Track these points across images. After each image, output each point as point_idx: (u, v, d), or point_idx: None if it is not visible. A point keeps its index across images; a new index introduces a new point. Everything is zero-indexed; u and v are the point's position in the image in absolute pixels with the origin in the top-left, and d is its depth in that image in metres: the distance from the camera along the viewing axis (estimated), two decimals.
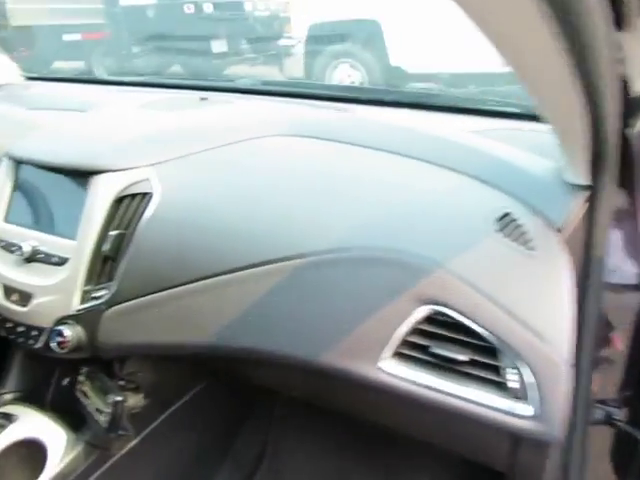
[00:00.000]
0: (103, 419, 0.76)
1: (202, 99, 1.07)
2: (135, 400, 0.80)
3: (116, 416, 0.75)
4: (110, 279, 0.75)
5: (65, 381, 0.98)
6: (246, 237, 0.69)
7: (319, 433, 1.25)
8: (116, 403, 0.75)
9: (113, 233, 0.75)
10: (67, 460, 0.82)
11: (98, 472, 0.87)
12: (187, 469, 1.07)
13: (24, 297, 0.79)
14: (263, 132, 0.89)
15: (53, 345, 0.76)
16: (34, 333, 0.79)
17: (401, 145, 0.82)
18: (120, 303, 0.74)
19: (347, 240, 0.65)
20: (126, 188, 0.76)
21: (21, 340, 0.81)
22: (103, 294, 0.75)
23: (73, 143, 0.84)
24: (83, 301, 0.76)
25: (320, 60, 5.40)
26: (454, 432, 0.71)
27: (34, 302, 0.78)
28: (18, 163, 0.85)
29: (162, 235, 0.74)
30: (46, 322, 0.78)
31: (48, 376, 0.99)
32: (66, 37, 5.14)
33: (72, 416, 0.88)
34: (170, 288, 0.72)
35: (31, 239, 0.80)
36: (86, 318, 0.76)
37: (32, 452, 0.84)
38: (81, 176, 0.78)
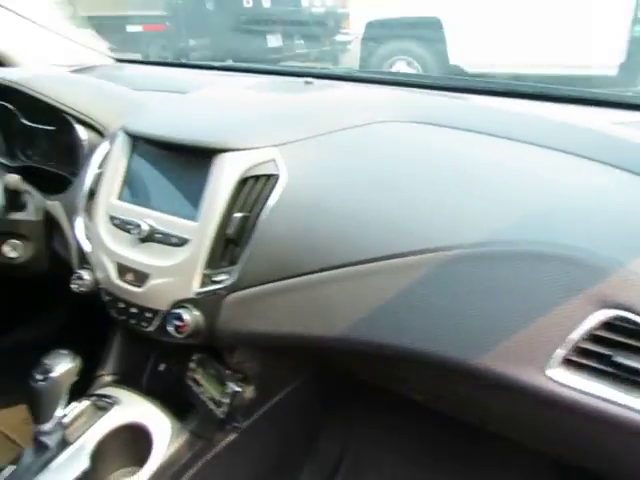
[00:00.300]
0: (220, 409, 0.72)
1: (307, 83, 1.03)
2: (248, 392, 0.77)
3: (233, 407, 0.71)
4: (232, 263, 0.71)
5: (162, 366, 0.97)
6: (384, 226, 0.65)
7: (401, 430, 1.20)
8: (235, 394, 0.72)
9: (238, 215, 0.71)
10: (173, 449, 0.80)
11: (200, 463, 0.84)
12: (276, 463, 1.04)
13: (140, 277, 0.76)
14: (382, 117, 0.85)
15: (170, 329, 0.73)
16: (148, 315, 0.77)
17: (537, 135, 0.76)
18: (242, 289, 0.70)
19: (503, 233, 0.59)
20: (251, 169, 0.72)
21: (133, 322, 0.79)
22: (224, 279, 0.71)
23: (194, 121, 0.80)
24: (203, 285, 0.72)
25: (376, 57, 5.32)
26: (583, 442, 0.65)
27: (150, 283, 0.75)
28: (134, 139, 0.83)
29: (289, 220, 0.70)
30: (162, 304, 0.75)
31: (147, 360, 0.97)
32: (129, 28, 5.24)
33: (172, 402, 0.86)
34: (297, 276, 0.68)
35: (147, 218, 0.77)
36: (205, 303, 0.72)
37: (135, 436, 0.82)
38: (204, 155, 0.74)
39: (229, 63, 1.34)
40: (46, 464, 0.75)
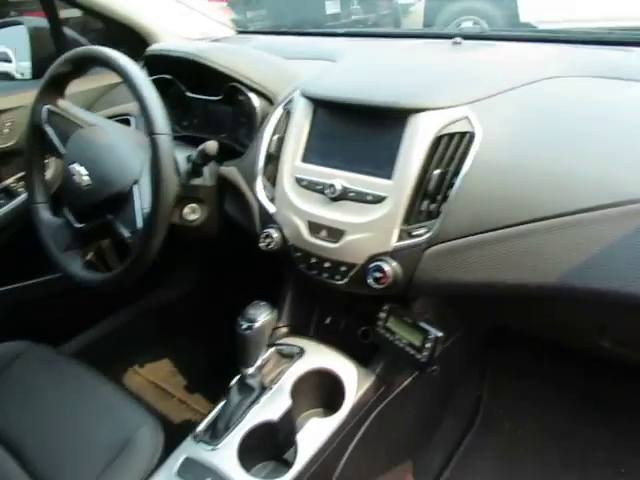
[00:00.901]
0: (422, 354, 0.78)
1: (455, 43, 1.04)
2: None
3: (434, 352, 0.77)
4: (429, 218, 0.76)
5: (328, 320, 1.04)
6: (586, 179, 0.67)
7: (536, 380, 1.24)
8: (437, 339, 0.77)
9: (436, 172, 0.75)
10: (361, 392, 0.86)
11: (382, 404, 0.91)
12: (427, 410, 1.11)
13: (334, 234, 0.81)
14: (552, 73, 0.86)
15: (370, 281, 0.78)
16: (342, 269, 0.82)
17: None
18: (442, 242, 0.75)
19: None
20: (445, 127, 0.76)
21: (325, 276, 0.85)
22: (423, 232, 0.76)
23: (380, 84, 0.84)
24: (400, 239, 0.77)
25: (441, 18, 5.16)
26: None
27: (346, 239, 0.80)
28: (315, 104, 0.87)
29: (487, 175, 0.73)
30: (358, 259, 0.80)
31: (312, 314, 1.04)
32: None
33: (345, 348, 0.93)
34: (500, 229, 0.71)
35: (337, 178, 0.82)
36: (403, 255, 0.77)
37: (323, 381, 0.89)
38: (397, 116, 0.78)
39: (352, 29, 1.36)
40: (253, 402, 0.84)
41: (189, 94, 1.09)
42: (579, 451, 1.14)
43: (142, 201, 0.86)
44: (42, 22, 1.26)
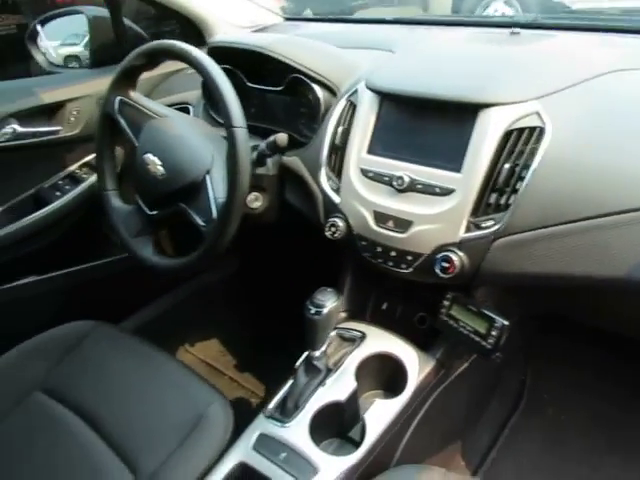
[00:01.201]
0: (487, 341, 0.81)
1: (513, 33, 1.05)
2: None
3: (500, 339, 0.80)
4: (498, 210, 0.78)
5: (384, 305, 1.07)
6: None
7: (579, 367, 1.27)
8: (503, 327, 0.80)
9: (506, 166, 0.77)
10: (423, 375, 0.90)
11: (440, 388, 0.95)
12: (477, 394, 1.15)
13: (402, 224, 0.84)
14: (621, 65, 0.86)
15: (437, 270, 0.81)
16: (409, 258, 0.85)
17: None
18: (510, 235, 0.77)
19: None
20: (515, 122, 0.77)
21: (390, 264, 0.88)
22: (491, 225, 0.78)
23: (446, 77, 0.85)
24: (468, 230, 0.79)
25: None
26: None
27: (414, 229, 0.83)
28: (382, 96, 0.89)
29: (557, 170, 0.75)
30: (425, 249, 0.83)
31: (368, 300, 1.08)
32: None
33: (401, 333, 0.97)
34: (567, 223, 0.73)
35: (404, 170, 0.85)
36: (471, 246, 0.80)
37: (384, 364, 0.93)
38: (466, 110, 0.80)
39: (402, 17, 1.35)
40: (320, 383, 0.88)
41: (250, 84, 1.11)
42: (624, 437, 1.18)
43: (215, 190, 0.90)
44: (100, 11, 1.29)
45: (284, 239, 1.43)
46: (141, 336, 1.11)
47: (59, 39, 1.47)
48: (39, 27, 1.34)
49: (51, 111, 1.16)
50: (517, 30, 1.05)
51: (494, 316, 0.81)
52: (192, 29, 1.33)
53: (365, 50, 1.12)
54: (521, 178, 0.76)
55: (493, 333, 0.81)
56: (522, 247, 0.77)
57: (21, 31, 5.09)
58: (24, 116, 1.11)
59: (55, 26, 1.37)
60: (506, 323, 0.80)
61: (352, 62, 1.05)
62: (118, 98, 0.97)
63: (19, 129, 1.11)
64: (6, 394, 0.98)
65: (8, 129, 1.08)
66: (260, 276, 1.60)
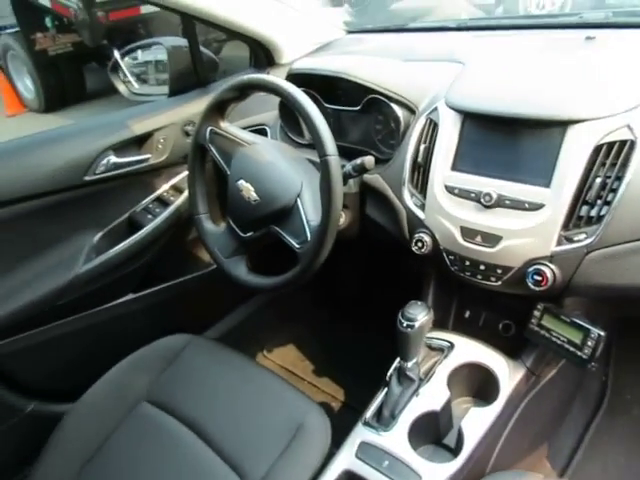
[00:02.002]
0: (583, 351, 0.83)
1: (588, 38, 1.04)
2: None
3: (597, 349, 0.82)
4: (589, 224, 0.80)
5: (467, 313, 1.10)
6: None
7: None
8: (599, 337, 0.82)
9: (597, 180, 0.78)
10: (514, 383, 0.93)
11: (530, 395, 0.97)
12: (565, 397, 1.16)
13: (490, 239, 0.87)
14: None
15: (529, 284, 0.84)
16: (498, 272, 0.88)
17: None
18: (604, 247, 0.79)
19: None
20: (605, 136, 0.79)
21: (479, 277, 0.91)
22: (583, 238, 0.80)
23: (527, 93, 0.87)
24: (559, 244, 0.81)
25: None
26: None
27: (504, 244, 0.86)
28: (463, 114, 0.92)
29: None
30: (515, 262, 0.86)
31: (450, 308, 1.11)
32: None
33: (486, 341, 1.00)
34: None
35: (490, 186, 0.87)
36: (562, 260, 0.82)
37: (474, 373, 0.97)
38: (553, 126, 0.82)
39: (466, 22, 1.36)
40: (414, 393, 0.92)
41: (327, 105, 1.16)
42: None
43: (307, 213, 0.95)
44: (177, 41, 1.37)
45: (360, 251, 1.48)
46: (223, 344, 1.18)
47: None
48: (120, 59, 1.43)
49: (141, 141, 1.25)
50: (592, 35, 1.05)
51: (589, 327, 0.83)
52: (262, 51, 1.38)
53: (434, 63, 1.14)
54: (613, 190, 0.78)
55: (589, 343, 0.83)
56: (615, 260, 0.78)
57: (76, 49, 5.35)
58: (119, 147, 1.20)
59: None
60: (602, 334, 0.82)
61: (426, 79, 1.07)
62: (209, 128, 1.04)
63: (115, 159, 1.20)
64: (116, 406, 1.06)
65: (106, 161, 1.18)
66: (335, 282, 1.65)
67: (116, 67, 1.43)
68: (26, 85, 5.60)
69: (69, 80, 5.53)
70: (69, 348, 1.24)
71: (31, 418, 1.22)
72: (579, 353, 0.84)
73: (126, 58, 1.45)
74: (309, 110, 0.88)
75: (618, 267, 0.78)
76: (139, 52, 1.44)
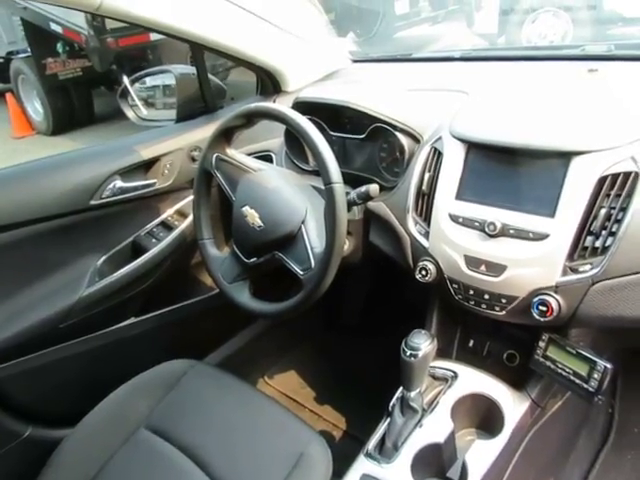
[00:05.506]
0: (589, 384, 0.82)
1: (591, 70, 1.06)
2: None
3: (603, 382, 0.81)
4: (595, 254, 0.80)
5: (471, 342, 1.09)
6: None
7: None
8: (606, 370, 0.81)
9: (602, 211, 0.78)
10: (519, 415, 0.91)
11: (536, 427, 0.96)
12: (571, 430, 1.14)
13: (494, 268, 0.87)
14: None
15: (534, 314, 0.83)
16: (503, 301, 0.88)
17: None
18: (610, 279, 0.78)
19: None
20: (609, 167, 0.79)
21: (483, 307, 0.91)
22: (588, 269, 0.80)
23: (534, 123, 0.88)
24: (564, 274, 0.81)
25: (518, 11, 5.02)
26: None
27: (508, 273, 0.85)
28: (468, 144, 0.93)
29: None
30: (520, 292, 0.85)
31: (454, 337, 1.10)
32: None
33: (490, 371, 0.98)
34: None
35: (494, 216, 0.87)
36: (568, 290, 0.81)
37: (478, 403, 0.95)
38: (557, 157, 0.82)
39: (470, 52, 1.38)
40: (417, 424, 0.91)
41: (332, 133, 1.17)
42: None
43: (311, 240, 0.95)
44: (185, 69, 1.40)
45: (363, 277, 1.47)
46: (224, 370, 1.16)
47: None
48: (129, 86, 1.45)
49: (148, 166, 1.26)
50: (594, 67, 1.06)
51: (596, 359, 0.82)
52: (269, 79, 1.41)
53: (438, 92, 1.16)
54: (618, 221, 0.78)
55: (595, 376, 0.81)
56: (621, 291, 0.78)
57: (85, 73, 5.47)
58: (125, 172, 1.21)
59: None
60: (609, 366, 0.81)
61: (431, 108, 1.09)
62: (215, 155, 1.05)
63: (121, 184, 1.21)
64: (115, 432, 1.05)
65: (112, 185, 1.19)
66: (339, 308, 1.65)
67: (125, 93, 1.45)
68: (35, 108, 5.71)
69: (78, 104, 5.65)
70: (69, 372, 1.23)
71: (29, 443, 1.20)
72: (585, 385, 0.83)
73: (135, 84, 1.47)
74: (314, 138, 0.89)
75: (624, 299, 0.78)
76: (148, 79, 1.46)
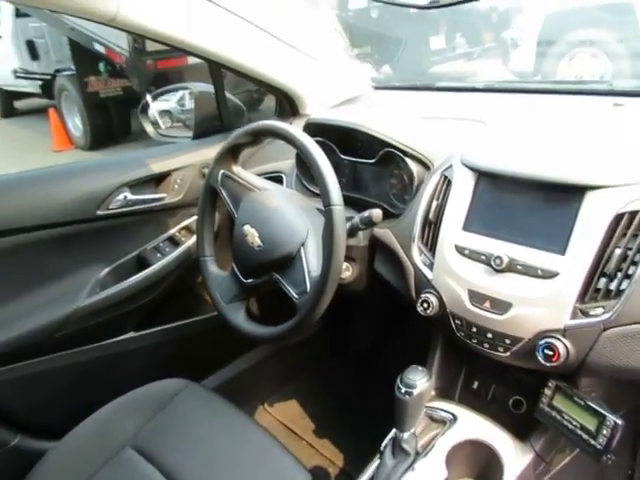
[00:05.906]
0: (597, 440, 0.75)
1: (616, 105, 1.01)
2: None
3: (613, 440, 0.73)
4: (608, 297, 0.73)
5: (475, 384, 1.02)
6: None
7: None
8: (616, 426, 0.73)
9: (617, 251, 0.73)
10: (521, 469, 0.84)
11: None
12: None
13: (499, 305, 0.81)
14: None
15: (539, 358, 0.77)
16: (507, 342, 0.82)
17: None
18: (623, 325, 0.72)
19: None
20: (626, 204, 0.74)
21: (486, 346, 0.85)
22: (600, 312, 0.74)
23: (550, 155, 0.83)
24: (574, 317, 0.75)
25: (554, 50, 4.99)
26: None
27: (513, 312, 0.80)
28: (478, 173, 0.88)
29: None
30: (526, 333, 0.79)
31: (458, 378, 1.04)
32: None
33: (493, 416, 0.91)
34: None
35: (502, 250, 0.82)
36: (577, 334, 0.75)
37: (477, 451, 0.88)
38: (571, 191, 0.77)
39: (494, 84, 1.35)
40: (408, 468, 0.84)
41: (342, 156, 1.15)
42: None
43: (309, 263, 0.92)
44: (204, 87, 1.41)
45: (370, 307, 1.43)
46: (223, 394, 1.13)
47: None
48: (150, 101, 1.47)
49: (158, 180, 1.26)
50: (620, 102, 1.01)
51: (605, 413, 0.75)
52: (287, 102, 1.40)
53: (455, 121, 1.13)
54: (634, 263, 0.72)
55: (604, 432, 0.74)
56: (636, 339, 0.71)
57: (125, 93, 5.67)
58: (135, 185, 1.21)
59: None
60: (620, 422, 0.73)
61: (445, 136, 1.05)
62: (221, 172, 1.04)
63: (130, 196, 1.20)
64: (99, 448, 1.02)
65: (121, 197, 1.18)
66: (343, 338, 1.59)
67: (145, 108, 1.47)
68: (75, 124, 5.95)
69: (116, 121, 5.86)
70: (62, 382, 1.21)
71: (15, 452, 1.18)
72: (592, 442, 0.75)
73: (156, 101, 1.49)
74: (316, 158, 0.87)
75: (638, 349, 0.71)
76: (168, 95, 1.47)
